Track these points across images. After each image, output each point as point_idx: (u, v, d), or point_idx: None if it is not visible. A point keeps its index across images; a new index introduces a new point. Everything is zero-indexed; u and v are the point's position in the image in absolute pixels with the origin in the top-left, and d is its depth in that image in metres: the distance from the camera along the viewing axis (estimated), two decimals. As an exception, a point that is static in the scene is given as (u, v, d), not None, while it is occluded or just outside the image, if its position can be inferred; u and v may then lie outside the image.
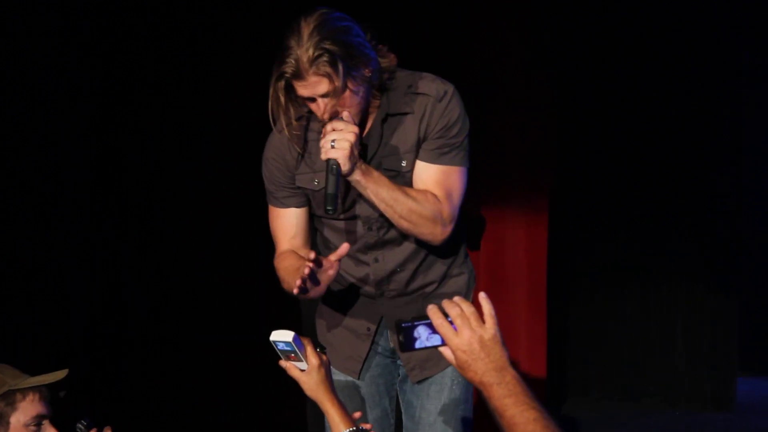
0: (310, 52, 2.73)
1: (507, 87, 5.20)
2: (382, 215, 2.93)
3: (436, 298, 3.02)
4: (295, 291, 2.80)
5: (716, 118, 5.73)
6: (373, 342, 3.12)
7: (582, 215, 6.05)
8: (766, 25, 5.92)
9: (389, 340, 3.12)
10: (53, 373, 2.78)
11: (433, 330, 2.15)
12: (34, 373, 2.79)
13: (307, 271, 2.75)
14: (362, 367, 3.12)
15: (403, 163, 2.94)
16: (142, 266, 5.27)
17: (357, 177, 2.81)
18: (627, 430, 5.76)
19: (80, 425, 2.82)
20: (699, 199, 5.82)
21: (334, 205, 2.78)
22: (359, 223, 3.01)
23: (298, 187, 3.01)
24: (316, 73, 2.74)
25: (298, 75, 2.76)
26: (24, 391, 2.72)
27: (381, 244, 3.03)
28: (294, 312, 4.41)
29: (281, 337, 2.50)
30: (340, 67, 2.73)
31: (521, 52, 5.21)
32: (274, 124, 2.93)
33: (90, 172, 5.03)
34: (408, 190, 2.90)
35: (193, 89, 5.24)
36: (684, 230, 5.89)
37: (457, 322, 2.11)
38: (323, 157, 2.79)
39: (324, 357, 2.59)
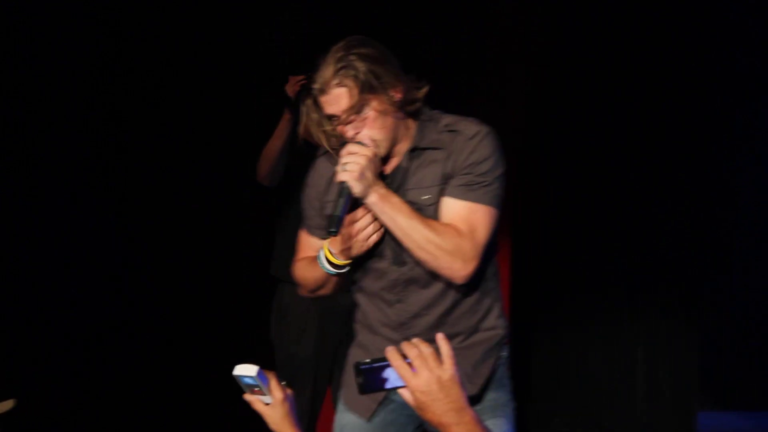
0: (333, 66, 2.76)
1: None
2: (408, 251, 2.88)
3: (463, 351, 2.95)
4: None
5: (663, 160, 5.77)
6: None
7: (543, 252, 6.09)
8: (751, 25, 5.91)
9: None
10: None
11: (395, 372, 2.17)
12: None
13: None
14: (376, 408, 3.04)
15: (426, 197, 2.89)
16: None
17: (373, 199, 2.79)
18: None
19: None
20: (656, 234, 5.87)
21: (336, 227, 2.74)
22: (382, 260, 2.97)
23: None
24: (338, 86, 2.76)
25: (323, 90, 2.79)
26: None
27: (404, 283, 2.97)
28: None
29: (245, 371, 2.51)
30: (362, 80, 2.74)
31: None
32: (316, 148, 2.94)
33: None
34: (429, 220, 2.84)
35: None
36: (643, 265, 5.93)
37: (416, 363, 2.13)
38: (336, 179, 2.79)
39: (288, 390, 2.60)
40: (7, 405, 2.77)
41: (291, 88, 4.49)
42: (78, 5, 4.93)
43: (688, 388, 6.02)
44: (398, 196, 2.84)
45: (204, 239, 5.34)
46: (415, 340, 2.17)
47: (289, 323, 4.48)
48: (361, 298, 3.08)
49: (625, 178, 5.82)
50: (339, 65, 2.76)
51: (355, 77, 2.75)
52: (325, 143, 2.90)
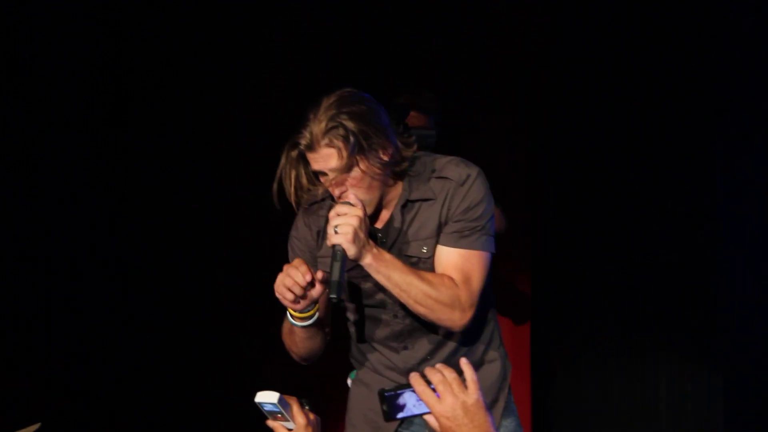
0: (324, 124, 2.74)
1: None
2: None
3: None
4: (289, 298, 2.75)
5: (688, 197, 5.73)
6: (401, 424, 3.01)
7: (563, 289, 6.07)
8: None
9: (425, 427, 2.97)
10: (24, 430, 2.76)
11: (419, 398, 2.16)
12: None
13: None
14: None
15: (424, 249, 2.88)
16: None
17: (368, 261, 2.75)
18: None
19: None
20: (680, 273, 5.83)
21: (338, 293, 2.70)
22: (386, 311, 2.95)
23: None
24: (328, 146, 2.73)
25: (310, 146, 2.76)
26: None
27: (409, 332, 2.95)
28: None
29: (266, 398, 2.48)
30: (352, 142, 2.72)
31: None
32: (296, 204, 2.88)
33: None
34: (424, 273, 2.81)
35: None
36: (665, 304, 5.90)
37: (440, 388, 2.12)
38: (328, 243, 2.74)
39: (311, 415, 2.58)
40: (32, 429, 2.76)
41: None
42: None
43: (713, 423, 6.00)
44: (390, 253, 2.82)
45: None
46: (438, 366, 2.16)
47: None
48: (362, 346, 3.06)
49: (652, 219, 5.80)
50: (330, 125, 2.74)
51: (345, 138, 2.73)
52: (292, 197, 2.86)
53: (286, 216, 5.10)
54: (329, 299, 2.75)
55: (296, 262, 2.77)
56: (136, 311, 5.23)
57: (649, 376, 6.00)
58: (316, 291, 2.77)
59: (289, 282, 2.72)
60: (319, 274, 2.77)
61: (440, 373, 2.14)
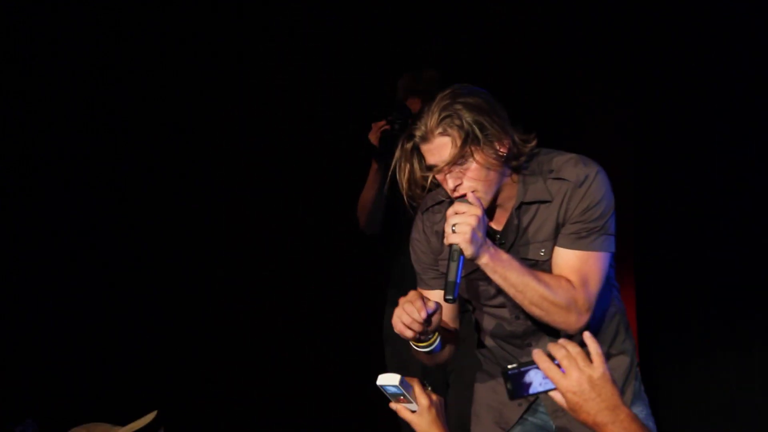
0: (437, 114, 2.71)
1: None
2: None
3: None
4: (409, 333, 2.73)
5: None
6: (527, 411, 2.97)
7: (669, 285, 6.00)
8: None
9: (548, 414, 2.97)
10: (141, 419, 2.79)
11: (544, 375, 2.13)
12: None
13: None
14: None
15: (542, 252, 2.84)
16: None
17: (484, 260, 2.71)
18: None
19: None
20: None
21: (453, 293, 2.68)
22: (507, 311, 2.92)
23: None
24: (442, 134, 2.71)
25: (425, 137, 2.74)
26: None
27: (532, 332, 2.92)
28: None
29: (388, 381, 2.49)
30: (467, 130, 2.70)
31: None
32: (408, 193, 2.85)
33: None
34: (540, 275, 2.78)
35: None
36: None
37: (564, 363, 2.10)
38: (445, 242, 2.72)
39: (434, 396, 2.57)
40: (149, 417, 2.79)
41: (374, 136, 4.39)
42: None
43: None
44: (507, 253, 2.78)
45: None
46: (561, 341, 2.14)
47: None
48: (487, 342, 3.04)
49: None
50: (444, 114, 2.71)
51: (460, 127, 2.70)
52: (406, 191, 2.83)
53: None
54: (446, 301, 2.72)
55: (411, 296, 2.73)
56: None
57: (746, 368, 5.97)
58: (435, 321, 2.74)
59: (407, 320, 2.70)
60: (431, 305, 2.72)
61: (564, 348, 2.11)
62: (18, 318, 4.80)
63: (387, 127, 4.30)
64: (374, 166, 4.42)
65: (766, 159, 5.64)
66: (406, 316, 2.69)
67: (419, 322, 2.69)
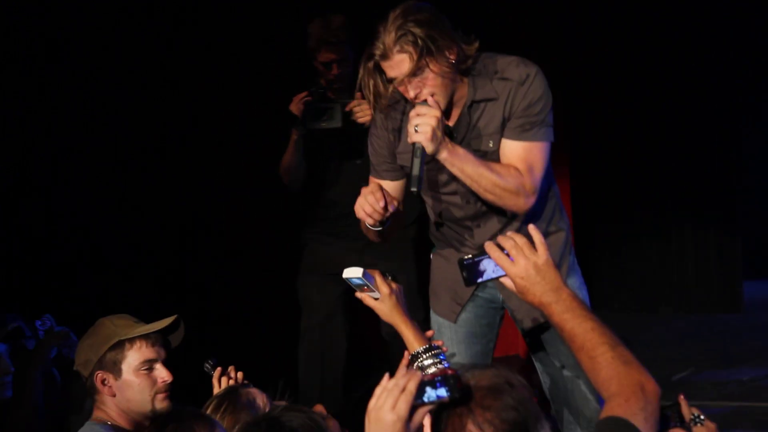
0: (393, 33, 3.03)
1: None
2: None
3: None
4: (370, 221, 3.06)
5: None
6: (477, 288, 3.33)
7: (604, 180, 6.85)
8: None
9: (496, 289, 3.34)
10: (161, 321, 3.08)
11: (495, 264, 2.43)
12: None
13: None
14: (461, 310, 3.39)
15: (490, 144, 3.20)
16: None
17: (444, 155, 3.07)
18: (652, 334, 6.35)
19: (207, 365, 3.14)
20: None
21: (418, 186, 3.04)
22: (459, 197, 3.27)
23: (401, 166, 3.27)
24: (400, 52, 3.03)
25: (385, 55, 3.06)
26: (132, 340, 3.02)
27: (481, 214, 3.28)
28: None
29: (352, 273, 2.85)
30: (421, 45, 3.00)
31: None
32: (374, 104, 3.20)
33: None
34: (492, 165, 3.14)
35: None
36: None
37: (512, 252, 2.38)
38: (409, 140, 3.05)
39: (394, 285, 2.91)
40: (168, 320, 3.05)
41: (295, 107, 4.51)
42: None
43: (733, 262, 6.75)
44: (463, 147, 3.13)
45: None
46: (509, 233, 2.43)
47: None
48: (440, 226, 3.41)
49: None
50: (399, 33, 3.01)
51: (414, 43, 3.01)
52: (372, 103, 3.19)
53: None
54: (411, 192, 3.07)
55: (372, 187, 3.09)
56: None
57: (677, 228, 6.93)
58: (390, 208, 3.08)
59: (368, 209, 3.04)
60: (389, 197, 3.06)
61: (512, 240, 2.40)
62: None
63: (309, 98, 4.44)
64: (294, 135, 4.56)
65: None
66: (368, 205, 3.04)
67: (380, 213, 3.04)
